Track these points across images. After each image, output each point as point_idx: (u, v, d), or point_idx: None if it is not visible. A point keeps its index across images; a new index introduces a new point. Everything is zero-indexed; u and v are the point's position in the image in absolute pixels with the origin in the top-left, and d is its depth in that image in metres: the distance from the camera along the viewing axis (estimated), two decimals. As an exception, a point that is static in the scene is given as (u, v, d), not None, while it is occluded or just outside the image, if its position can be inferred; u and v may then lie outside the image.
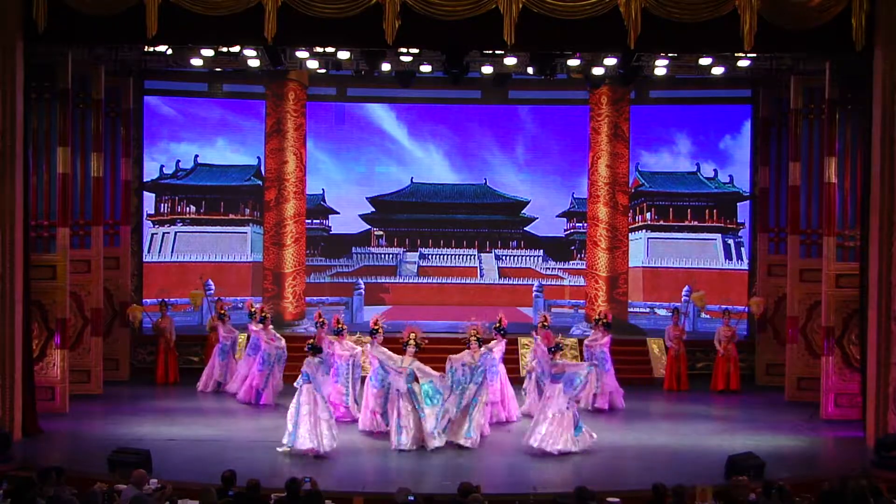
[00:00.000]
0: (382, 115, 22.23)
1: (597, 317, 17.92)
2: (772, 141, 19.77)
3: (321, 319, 17.04)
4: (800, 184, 18.28)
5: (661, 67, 17.85)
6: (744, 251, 21.22)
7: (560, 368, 14.69)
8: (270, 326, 18.11)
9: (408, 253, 22.57)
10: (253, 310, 18.38)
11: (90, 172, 18.06)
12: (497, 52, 16.90)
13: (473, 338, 15.16)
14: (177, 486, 11.16)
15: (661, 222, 21.98)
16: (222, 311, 18.99)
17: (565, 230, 22.48)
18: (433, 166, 22.38)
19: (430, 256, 22.59)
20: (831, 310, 16.48)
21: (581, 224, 22.13)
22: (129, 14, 14.46)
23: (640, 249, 22.00)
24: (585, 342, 17.93)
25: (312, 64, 17.78)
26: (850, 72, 16.02)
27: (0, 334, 14.63)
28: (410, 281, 22.56)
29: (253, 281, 21.70)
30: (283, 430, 14.36)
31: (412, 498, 10.00)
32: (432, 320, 20.37)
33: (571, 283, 22.24)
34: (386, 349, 15.21)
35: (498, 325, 16.30)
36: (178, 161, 21.40)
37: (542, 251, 22.54)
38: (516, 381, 17.51)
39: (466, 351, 15.11)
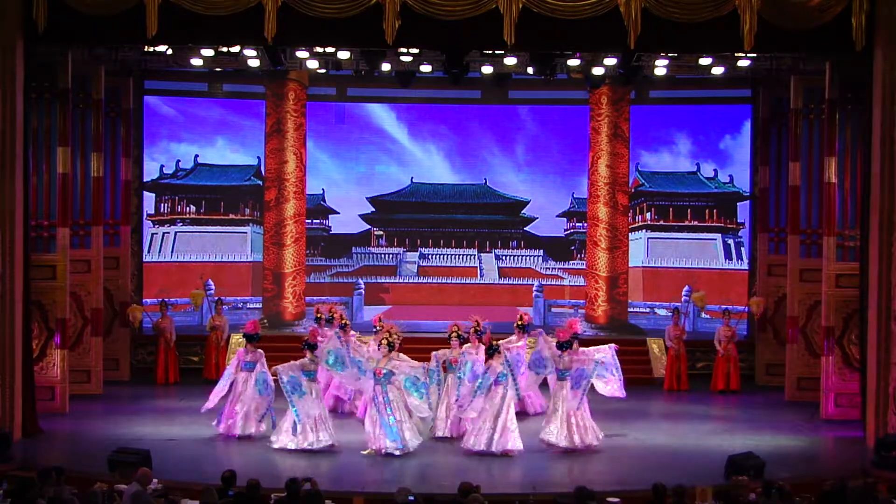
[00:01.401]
0: (382, 115, 22.21)
1: (518, 322, 17.31)
2: (772, 141, 19.76)
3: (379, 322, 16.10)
4: (800, 184, 18.27)
5: (661, 67, 17.85)
6: (744, 251, 21.20)
7: (567, 364, 14.48)
8: (353, 334, 16.91)
9: (408, 253, 22.55)
10: (331, 315, 17.24)
11: (90, 172, 18.06)
12: (497, 52, 16.88)
13: (454, 335, 15.40)
14: (177, 486, 11.17)
15: (661, 222, 21.97)
16: (319, 315, 17.57)
17: (565, 230, 22.46)
18: (433, 166, 22.36)
19: (430, 256, 22.57)
20: (831, 310, 16.47)
21: (581, 224, 22.11)
22: (129, 14, 14.46)
23: (640, 249, 21.98)
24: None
25: (312, 64, 17.78)
26: (850, 72, 16.01)
27: (0, 334, 14.63)
28: (410, 281, 22.53)
29: (253, 281, 21.68)
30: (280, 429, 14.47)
31: (412, 498, 9.99)
32: (432, 320, 20.37)
33: (571, 283, 22.21)
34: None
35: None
36: (178, 161, 21.38)
37: (542, 251, 22.51)
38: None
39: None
